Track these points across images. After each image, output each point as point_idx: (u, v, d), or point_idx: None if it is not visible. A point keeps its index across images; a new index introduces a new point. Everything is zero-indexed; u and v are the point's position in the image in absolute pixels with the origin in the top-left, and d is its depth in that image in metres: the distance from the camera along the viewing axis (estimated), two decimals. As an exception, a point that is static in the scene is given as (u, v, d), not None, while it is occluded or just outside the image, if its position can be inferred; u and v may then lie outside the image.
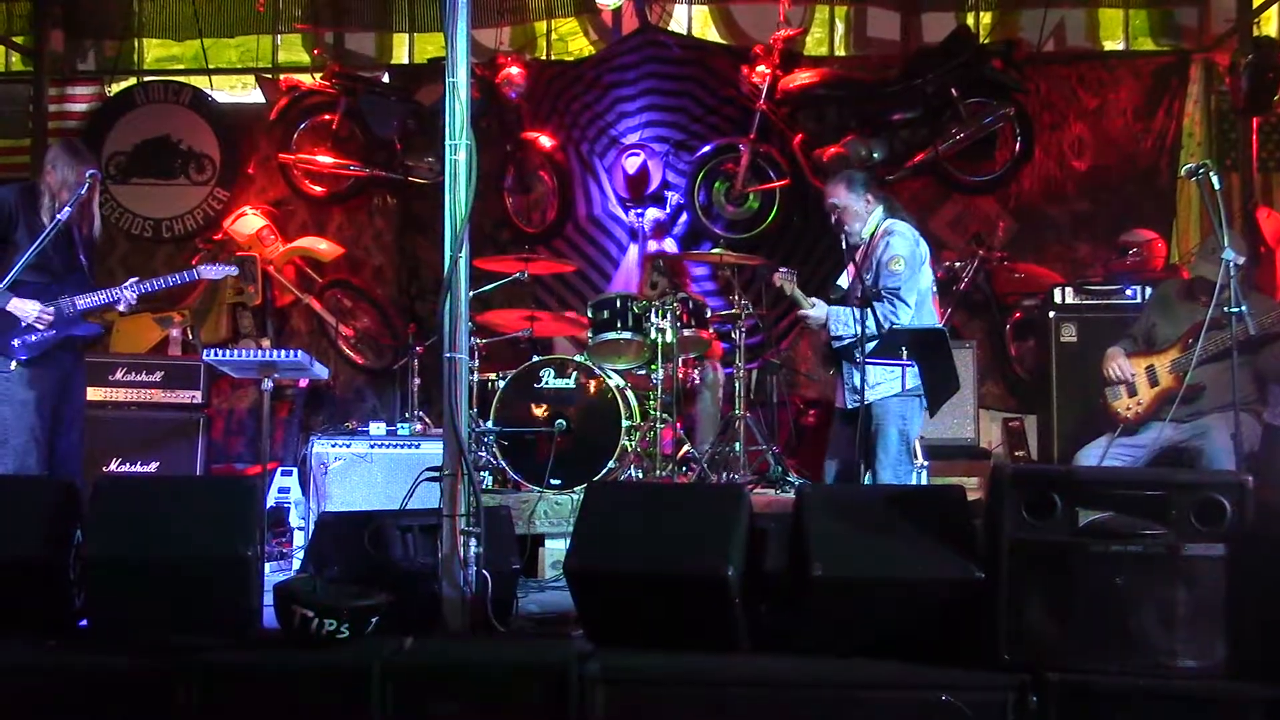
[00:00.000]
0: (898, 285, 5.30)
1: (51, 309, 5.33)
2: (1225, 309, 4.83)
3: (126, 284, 5.54)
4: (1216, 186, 4.70)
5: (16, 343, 5.29)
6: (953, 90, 7.74)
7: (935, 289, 5.67)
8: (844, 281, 5.67)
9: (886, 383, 5.31)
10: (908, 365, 5.18)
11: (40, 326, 5.31)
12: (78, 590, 3.92)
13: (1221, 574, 3.35)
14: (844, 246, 5.56)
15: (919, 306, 5.39)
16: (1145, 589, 3.35)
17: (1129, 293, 7.00)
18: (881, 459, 5.31)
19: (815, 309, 5.52)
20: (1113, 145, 8.23)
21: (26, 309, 5.27)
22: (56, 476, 5.20)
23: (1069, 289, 7.14)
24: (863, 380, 5.15)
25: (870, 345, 5.17)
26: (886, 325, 5.22)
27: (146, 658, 3.54)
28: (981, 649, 3.45)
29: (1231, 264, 4.81)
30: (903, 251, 5.34)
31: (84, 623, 3.94)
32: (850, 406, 5.49)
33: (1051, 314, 7.09)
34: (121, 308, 5.62)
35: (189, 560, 3.80)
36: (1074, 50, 8.60)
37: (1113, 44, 8.66)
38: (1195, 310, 5.59)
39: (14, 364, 5.29)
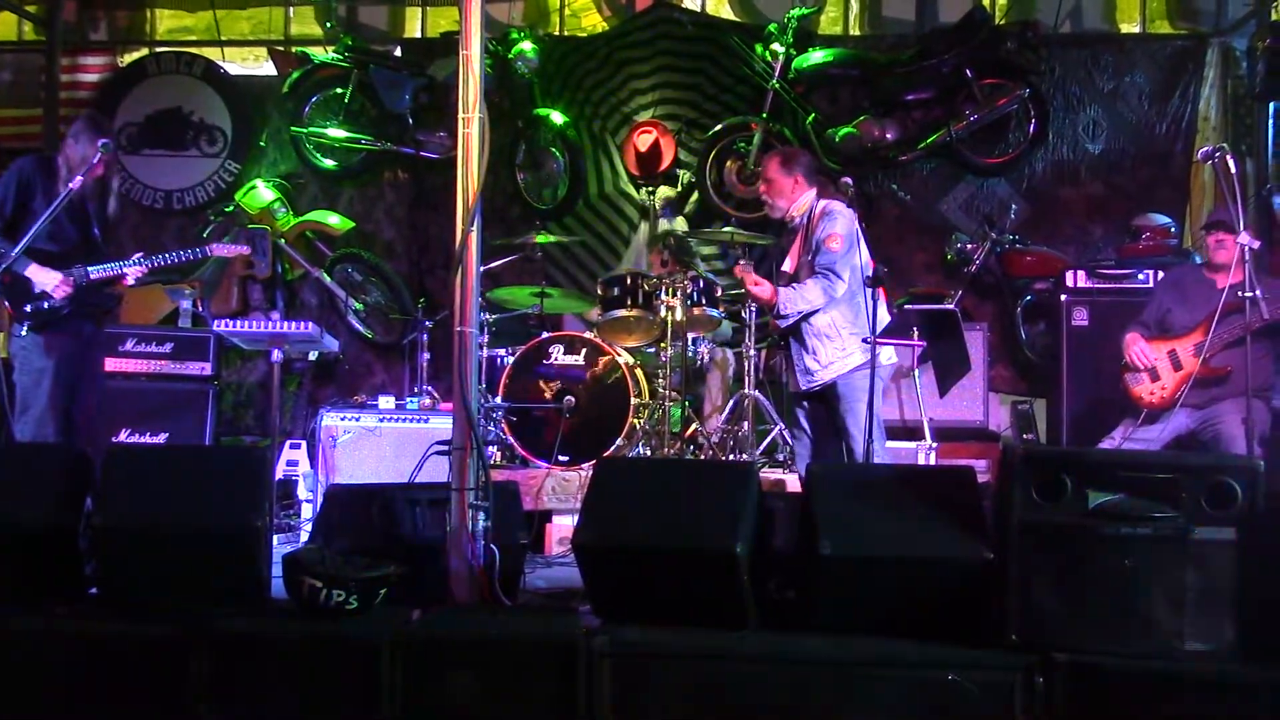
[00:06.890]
0: (833, 261, 5.41)
1: (70, 279, 5.33)
2: (1239, 294, 4.81)
3: (133, 258, 5.54)
4: (1233, 169, 4.68)
5: (29, 308, 5.30)
6: (967, 71, 7.70)
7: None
8: (788, 266, 5.75)
9: (841, 360, 5.41)
10: (919, 345, 5.18)
11: (57, 296, 5.31)
12: (88, 558, 3.92)
13: (1231, 557, 3.33)
14: (786, 230, 5.73)
15: (856, 283, 5.43)
16: (1155, 571, 3.34)
17: (1141, 276, 7.00)
18: (854, 434, 5.37)
19: (759, 287, 5.59)
20: (1127, 129, 8.16)
21: (46, 278, 5.29)
22: (72, 445, 5.20)
23: (1081, 272, 7.11)
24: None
25: (817, 319, 5.44)
26: (827, 300, 5.38)
27: (156, 625, 3.56)
28: (990, 629, 3.45)
29: (1246, 248, 4.80)
30: (840, 230, 5.45)
31: (94, 591, 3.95)
32: (804, 388, 5.54)
33: (1063, 297, 7.06)
34: (129, 281, 5.61)
35: (199, 529, 3.79)
36: (1090, 32, 8.54)
37: (1129, 26, 8.58)
38: (1211, 295, 5.52)
39: (25, 329, 5.30)
